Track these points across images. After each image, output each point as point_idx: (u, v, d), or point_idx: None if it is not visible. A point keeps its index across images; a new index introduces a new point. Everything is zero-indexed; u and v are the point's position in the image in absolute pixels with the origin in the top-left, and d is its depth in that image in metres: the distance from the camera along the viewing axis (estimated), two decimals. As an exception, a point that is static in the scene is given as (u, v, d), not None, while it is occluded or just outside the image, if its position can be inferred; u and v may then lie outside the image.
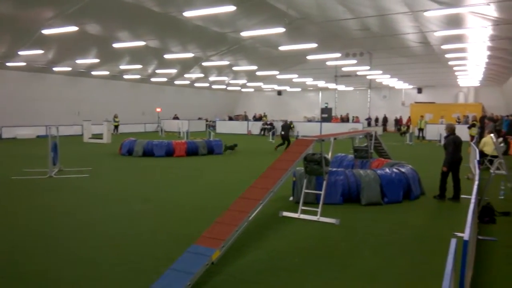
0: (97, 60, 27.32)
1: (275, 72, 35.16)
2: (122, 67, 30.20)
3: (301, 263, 5.48)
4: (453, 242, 3.19)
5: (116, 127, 31.77)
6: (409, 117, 37.47)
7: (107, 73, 31.25)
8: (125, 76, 33.91)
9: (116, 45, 22.21)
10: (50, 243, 6.18)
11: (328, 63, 30.19)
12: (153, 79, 35.88)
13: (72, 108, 30.86)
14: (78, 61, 27.03)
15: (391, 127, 40.84)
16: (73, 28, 17.68)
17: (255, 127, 35.40)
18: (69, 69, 28.44)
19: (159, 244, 6.14)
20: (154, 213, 8.06)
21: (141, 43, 21.35)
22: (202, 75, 36.23)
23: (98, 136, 24.85)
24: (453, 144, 8.79)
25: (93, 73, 31.08)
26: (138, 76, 34.10)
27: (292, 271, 5.19)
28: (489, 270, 5.27)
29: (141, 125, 36.74)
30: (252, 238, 6.35)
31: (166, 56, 26.37)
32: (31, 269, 5.17)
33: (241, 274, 5.04)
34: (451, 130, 9.15)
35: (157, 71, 32.80)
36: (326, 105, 44.30)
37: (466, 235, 3.57)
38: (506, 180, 8.76)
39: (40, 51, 22.94)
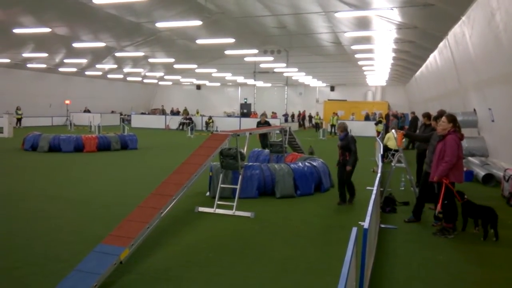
0: (-5, 46, 24.84)
1: (194, 66, 34.71)
2: (26, 55, 27.75)
3: (215, 258, 5.47)
4: (354, 230, 3.37)
5: (19, 120, 29.25)
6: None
7: (7, 61, 28.51)
8: (29, 65, 31.22)
9: (17, 31, 20.34)
10: None
11: (246, 59, 30.51)
12: (61, 69, 33.46)
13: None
14: (-28, 47, 24.37)
15: (306, 123, 42.49)
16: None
17: (173, 122, 34.72)
18: (-39, 55, 25.54)
19: (64, 245, 5.74)
20: (59, 212, 7.53)
21: (47, 30, 19.78)
22: (115, 66, 34.61)
23: (-2, 129, 22.65)
24: (354, 142, 8.25)
25: (-11, 60, 28.20)
26: (44, 65, 31.59)
27: (205, 266, 5.16)
28: (389, 256, 5.68)
29: (48, 118, 34.20)
30: (165, 235, 6.20)
31: (76, 45, 24.73)
32: None
33: (152, 272, 4.89)
34: (345, 129, 8.47)
35: (66, 60, 30.64)
36: (245, 100, 44.85)
37: (366, 223, 3.80)
38: (405, 173, 9.52)
39: None
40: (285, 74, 37.08)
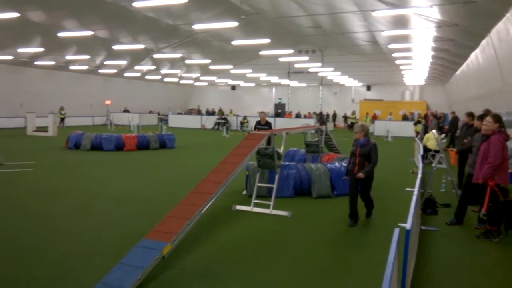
0: (41, 49, 25.95)
1: (229, 67, 35.04)
2: (68, 57, 28.88)
3: (253, 255, 5.53)
4: (396, 231, 3.34)
5: (62, 119, 30.47)
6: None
7: (52, 63, 29.77)
8: (72, 67, 32.47)
9: (61, 34, 21.21)
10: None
11: (281, 59, 30.50)
12: (101, 71, 34.61)
13: (15, 99, 29.21)
14: (20, 50, 25.54)
15: (340, 123, 41.98)
16: (14, 14, 16.68)
17: (209, 122, 35.17)
18: (11, 57, 26.82)
19: (108, 240, 5.96)
20: (103, 208, 7.82)
21: (89, 33, 20.51)
22: (153, 67, 35.43)
23: (43, 129, 23.69)
24: (377, 151, 6.86)
25: (37, 63, 29.49)
26: (85, 67, 32.76)
27: (243, 263, 5.23)
28: (430, 258, 5.56)
29: (89, 118, 35.44)
30: (204, 232, 6.32)
31: (115, 47, 25.52)
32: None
33: (192, 267, 5.01)
34: (367, 133, 7.02)
35: (106, 62, 31.66)
36: (279, 100, 44.85)
37: (408, 225, 3.74)
38: (446, 174, 9.26)
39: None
40: (320, 74, 36.79)
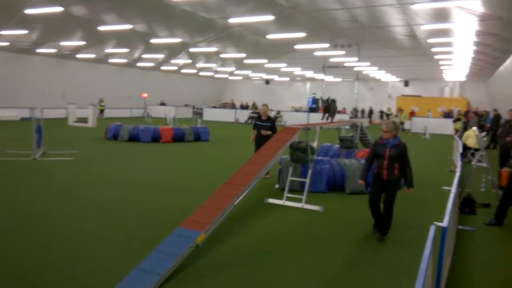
0: (82, 43, 26.85)
1: (264, 61, 35.05)
2: (108, 50, 29.74)
3: (283, 248, 5.56)
4: (432, 228, 3.28)
5: (102, 111, 31.41)
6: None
7: (92, 56, 30.75)
8: (111, 60, 33.42)
9: (101, 28, 21.85)
10: (33, 224, 6.13)
11: (316, 53, 30.21)
12: (139, 64, 35.42)
13: (57, 91, 30.37)
14: (63, 43, 26.51)
15: (376, 119, 41.22)
16: (58, 9, 17.32)
17: (243, 116, 35.36)
18: (54, 51, 27.90)
19: (146, 227, 6.14)
20: (140, 197, 8.05)
21: (128, 27, 21.03)
22: (189, 61, 35.92)
23: (83, 120, 24.55)
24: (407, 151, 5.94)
25: (78, 56, 30.54)
26: (124, 60, 33.64)
27: (274, 256, 5.27)
28: (467, 259, 5.42)
29: (127, 110, 36.37)
30: (236, 223, 6.41)
31: (153, 41, 26.05)
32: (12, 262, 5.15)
33: (225, 257, 5.10)
34: (397, 131, 5.94)
35: (144, 55, 32.39)
36: (314, 95, 44.45)
37: (445, 222, 3.67)
38: (487, 173, 8.96)
39: (24, 31, 22.42)
40: (355, 69, 36.21)
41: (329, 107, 11.56)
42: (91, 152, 14.01)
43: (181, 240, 4.69)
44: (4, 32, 22.65)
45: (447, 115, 32.84)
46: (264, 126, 9.61)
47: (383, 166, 5.85)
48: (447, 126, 26.77)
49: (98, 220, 6.49)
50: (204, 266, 4.78)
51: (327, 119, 11.59)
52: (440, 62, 29.78)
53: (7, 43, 25.04)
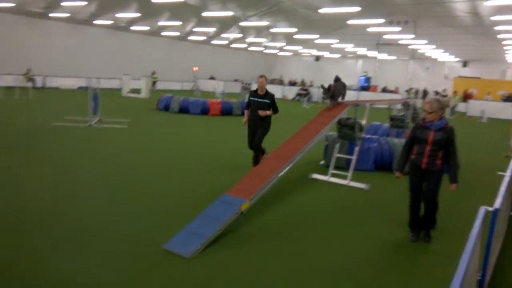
0: (137, 15, 27.49)
1: (315, 36, 34.31)
2: (161, 23, 30.28)
3: (325, 223, 5.59)
4: (482, 210, 3.18)
5: (154, 83, 32.28)
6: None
7: (146, 28, 31.46)
8: (164, 33, 34.04)
9: (155, 0, 22.21)
10: (88, 186, 6.52)
11: (370, 29, 29.16)
12: (190, 38, 35.83)
13: (112, 61, 31.47)
14: (119, 15, 27.29)
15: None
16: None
17: (290, 92, 35.13)
18: (110, 22, 28.80)
19: (193, 194, 6.37)
20: (189, 166, 8.31)
21: None
22: (240, 35, 35.88)
23: (136, 90, 25.40)
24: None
25: (133, 28, 31.36)
26: (176, 34, 34.15)
27: (315, 229, 5.31)
28: (518, 245, 5.21)
29: (178, 83, 37.14)
30: (280, 195, 6.49)
31: (205, 14, 26.18)
32: (72, 217, 5.52)
33: (268, 226, 5.21)
34: (443, 111, 4.97)
35: (195, 29, 32.69)
36: (365, 73, 43.27)
37: (497, 204, 3.54)
38: (547, 159, 8.44)
39: (83, 3, 23.24)
40: (411, 47, 34.66)
41: (334, 91, 8.11)
42: (143, 121, 14.53)
43: (226, 206, 4.84)
44: (64, 4, 23.62)
45: (508, 99, 30.90)
46: (261, 103, 7.46)
47: (423, 153, 4.89)
48: (506, 111, 25.29)
49: (148, 184, 6.80)
50: (248, 233, 4.92)
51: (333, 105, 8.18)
52: (504, 42, 27.86)
53: (68, 14, 26.11)
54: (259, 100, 7.52)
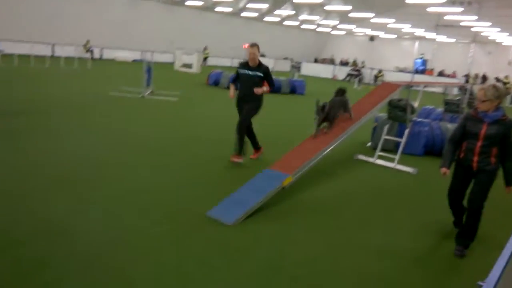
0: (192, -10, 27.76)
1: (370, 15, 33.14)
2: (215, -2, 30.44)
3: (369, 202, 5.56)
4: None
5: (205, 58, 32.69)
6: None
7: (200, 3, 31.70)
8: (217, 9, 34.17)
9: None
10: (138, 152, 6.82)
11: (430, 9, 27.75)
12: (243, 14, 35.74)
13: (166, 36, 32.13)
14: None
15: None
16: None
17: (341, 72, 34.42)
18: (165, -3, 29.31)
19: (238, 168, 6.49)
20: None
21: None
22: (292, 12, 35.34)
23: (188, 65, 25.87)
24: None
25: (187, 3, 31.71)
26: (229, 9, 34.18)
27: (359, 209, 5.30)
28: None
29: (229, 59, 37.40)
30: (324, 173, 6.50)
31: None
32: (135, 185, 5.82)
33: (309, 202, 5.25)
34: (500, 100, 4.11)
35: (248, 5, 32.54)
36: (422, 56, 41.46)
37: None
38: None
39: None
40: (473, 29, 32.71)
41: (330, 112, 6.36)
42: (193, 95, 14.86)
43: (269, 180, 4.93)
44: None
45: None
46: (253, 77, 6.33)
47: (474, 150, 4.14)
48: None
49: (194, 154, 7.01)
50: (289, 207, 4.99)
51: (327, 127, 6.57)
52: None
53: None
54: (250, 73, 6.35)
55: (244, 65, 6.50)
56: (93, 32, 27.54)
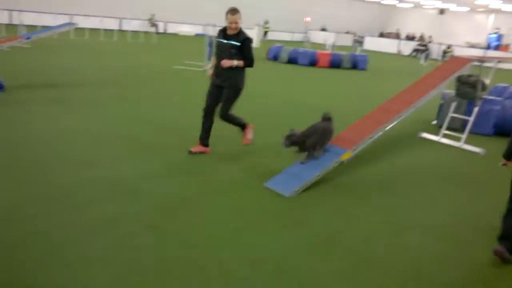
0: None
1: (441, -13, 31.15)
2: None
3: (432, 181, 5.38)
4: None
5: (266, 33, 32.51)
6: None
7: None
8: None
9: None
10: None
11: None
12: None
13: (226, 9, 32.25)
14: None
15: None
16: None
17: (407, 47, 32.87)
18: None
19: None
20: (291, 112, 8.47)
21: None
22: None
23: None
24: None
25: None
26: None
27: (421, 186, 5.15)
28: None
29: (289, 34, 36.92)
30: (385, 150, 6.35)
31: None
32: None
33: (369, 179, 5.17)
34: None
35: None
36: (497, 30, 38.44)
37: None
38: None
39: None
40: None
41: (305, 137, 4.92)
42: (254, 69, 14.89)
43: (327, 154, 4.91)
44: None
45: None
46: (226, 47, 5.14)
47: None
48: None
49: (258, 126, 7.10)
50: (347, 182, 4.96)
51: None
52: None
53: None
54: (224, 41, 5.15)
55: (221, 32, 5.27)
56: (157, 6, 28.27)
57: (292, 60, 17.76)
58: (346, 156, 4.95)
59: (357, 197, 4.59)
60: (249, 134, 5.62)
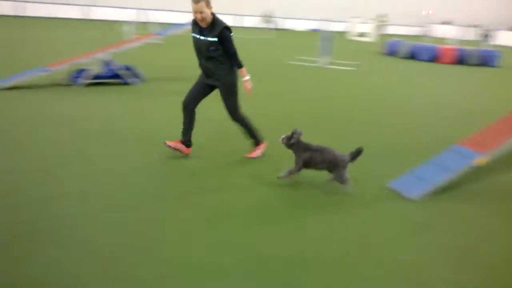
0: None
1: None
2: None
3: None
4: None
5: (382, 26, 31.24)
6: None
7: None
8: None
9: None
10: (315, 120, 7.02)
11: None
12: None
13: (342, 4, 31.64)
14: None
15: None
16: None
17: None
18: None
19: (418, 141, 6.16)
20: (413, 113, 8.02)
21: None
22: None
23: (362, 34, 25.17)
24: None
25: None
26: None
27: None
28: None
29: (406, 27, 35.04)
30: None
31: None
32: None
33: (503, 187, 4.67)
34: None
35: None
36: None
37: None
38: None
39: None
40: None
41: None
42: (371, 65, 14.49)
43: (458, 157, 4.52)
44: None
45: None
46: (203, 44, 4.35)
47: None
48: None
49: (376, 124, 6.88)
50: (481, 189, 4.53)
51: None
52: None
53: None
54: (200, 38, 4.34)
55: (195, 25, 4.36)
56: (274, 3, 28.86)
57: (411, 55, 16.88)
58: (481, 161, 4.51)
59: (495, 207, 4.17)
60: (259, 151, 4.96)
